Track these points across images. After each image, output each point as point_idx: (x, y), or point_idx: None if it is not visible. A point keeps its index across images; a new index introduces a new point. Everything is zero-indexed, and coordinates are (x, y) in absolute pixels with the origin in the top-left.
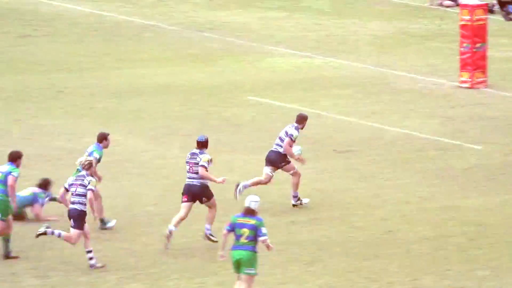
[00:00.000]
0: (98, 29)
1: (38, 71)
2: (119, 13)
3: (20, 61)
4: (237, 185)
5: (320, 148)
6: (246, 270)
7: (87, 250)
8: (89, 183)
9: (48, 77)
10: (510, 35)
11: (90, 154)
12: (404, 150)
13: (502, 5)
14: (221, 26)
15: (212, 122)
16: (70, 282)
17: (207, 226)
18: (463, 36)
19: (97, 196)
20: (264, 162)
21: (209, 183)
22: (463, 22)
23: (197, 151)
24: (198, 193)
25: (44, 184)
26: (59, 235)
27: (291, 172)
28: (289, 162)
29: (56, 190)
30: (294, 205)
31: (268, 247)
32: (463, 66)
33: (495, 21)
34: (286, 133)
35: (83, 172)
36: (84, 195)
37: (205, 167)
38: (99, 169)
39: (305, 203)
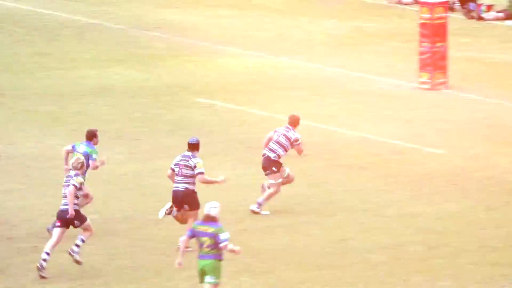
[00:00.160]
0: (41, 28)
1: None
2: (63, 11)
3: None
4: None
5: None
6: (208, 279)
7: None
8: (72, 179)
9: None
10: (472, 34)
11: (85, 154)
12: (360, 154)
13: (463, 2)
14: (168, 25)
15: (160, 125)
16: None
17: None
18: (422, 35)
19: (87, 196)
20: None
21: (198, 189)
22: (422, 21)
23: (189, 153)
24: (181, 199)
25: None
26: (82, 241)
27: (273, 182)
28: (276, 172)
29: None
30: (253, 212)
31: (232, 251)
32: (423, 66)
33: (456, 19)
34: (288, 138)
35: (73, 173)
36: (75, 196)
37: (203, 173)
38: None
39: (264, 214)
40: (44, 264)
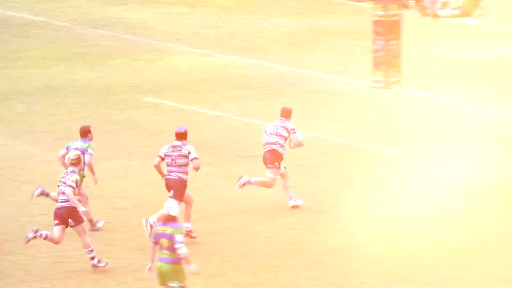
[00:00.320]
0: None
1: None
2: (6, 8)
3: None
4: (290, 198)
5: (222, 152)
6: (169, 283)
7: (87, 249)
8: (69, 179)
9: None
10: (426, 31)
11: (81, 149)
12: (313, 154)
13: None
14: (116, 23)
15: (107, 125)
16: None
17: (185, 224)
18: (376, 32)
19: (84, 197)
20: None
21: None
22: (376, 18)
23: (179, 143)
24: (173, 187)
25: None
26: (46, 237)
27: (273, 176)
28: (278, 167)
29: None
30: (293, 207)
31: (185, 260)
32: (376, 64)
33: (411, 16)
34: (286, 128)
35: (69, 169)
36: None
37: (198, 158)
38: None
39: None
40: (94, 261)
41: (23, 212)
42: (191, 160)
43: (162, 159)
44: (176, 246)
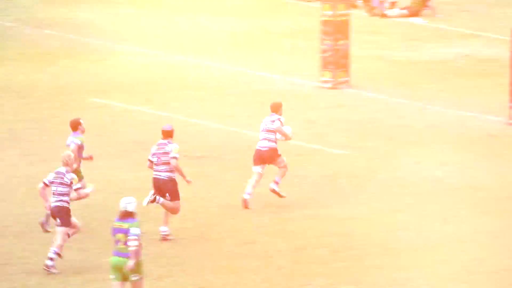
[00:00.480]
0: None
1: None
2: None
3: None
4: (244, 201)
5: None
6: (131, 277)
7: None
8: (71, 182)
9: None
10: (374, 31)
11: (70, 144)
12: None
13: None
14: (63, 23)
15: (53, 126)
16: None
17: (163, 228)
18: (324, 32)
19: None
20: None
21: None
22: (324, 18)
23: (165, 141)
24: (163, 188)
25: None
26: (57, 254)
27: (282, 165)
28: (280, 155)
29: None
30: (273, 190)
31: (132, 253)
32: (325, 65)
33: (359, 16)
34: (273, 122)
35: (62, 169)
36: (66, 194)
37: (177, 158)
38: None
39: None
40: (50, 263)
41: None
42: (171, 158)
43: (151, 161)
44: (129, 238)
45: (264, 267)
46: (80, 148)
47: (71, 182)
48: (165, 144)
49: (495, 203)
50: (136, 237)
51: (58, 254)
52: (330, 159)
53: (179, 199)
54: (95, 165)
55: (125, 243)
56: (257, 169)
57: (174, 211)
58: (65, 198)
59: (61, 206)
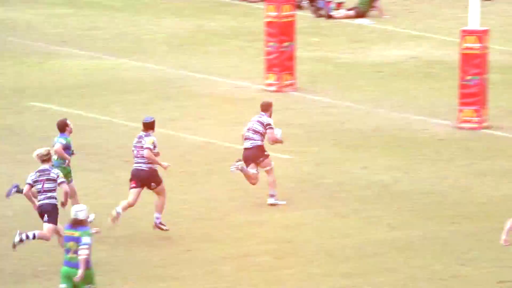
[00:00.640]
0: None
1: None
2: None
3: None
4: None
5: (109, 158)
6: (84, 287)
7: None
8: (58, 176)
9: None
10: (320, 33)
11: (64, 146)
12: (204, 160)
13: (311, 0)
14: None
15: None
16: None
17: (157, 215)
18: (269, 34)
19: (73, 192)
20: None
21: (158, 168)
22: (269, 19)
23: (143, 133)
24: (146, 178)
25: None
26: (34, 237)
27: (268, 168)
28: (267, 156)
29: None
30: (272, 204)
31: (83, 263)
32: (269, 67)
33: (304, 17)
34: (262, 123)
35: (46, 166)
36: (54, 190)
37: (150, 149)
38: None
39: (282, 203)
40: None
41: None
42: (144, 148)
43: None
44: (80, 246)
45: (207, 274)
46: (66, 148)
47: (58, 176)
48: (142, 137)
49: (443, 208)
50: (87, 246)
51: (27, 237)
52: (275, 163)
53: (162, 182)
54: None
55: (75, 252)
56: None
57: (163, 194)
58: (53, 194)
59: (49, 203)
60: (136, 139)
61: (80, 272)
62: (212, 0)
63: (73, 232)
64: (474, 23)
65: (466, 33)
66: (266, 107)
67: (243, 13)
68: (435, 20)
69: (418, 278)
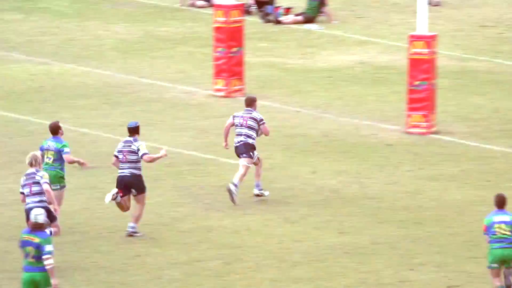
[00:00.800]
0: None
1: None
2: None
3: None
4: (229, 189)
5: None
6: None
7: None
8: (42, 177)
9: None
10: (269, 38)
11: (56, 150)
12: (153, 165)
13: (260, 5)
14: None
15: None
16: None
17: (131, 224)
18: (217, 39)
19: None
20: None
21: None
22: (217, 25)
23: (131, 138)
24: (128, 184)
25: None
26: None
27: (247, 164)
28: (251, 157)
29: None
30: (257, 195)
31: (50, 272)
32: (218, 72)
33: (253, 23)
34: (255, 119)
35: (32, 170)
36: (42, 193)
37: (148, 154)
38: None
39: (266, 194)
40: None
41: None
42: (141, 157)
43: (117, 157)
44: (44, 257)
45: (156, 279)
46: (58, 151)
47: (41, 178)
48: (131, 142)
49: (392, 213)
50: (51, 256)
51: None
52: (224, 169)
53: (144, 192)
54: None
55: (34, 257)
56: (242, 161)
57: (125, 208)
58: (43, 197)
59: (41, 206)
60: (121, 144)
61: (53, 281)
62: (160, 5)
63: (33, 238)
64: (422, 29)
65: (415, 38)
66: (251, 102)
67: (192, 18)
68: (384, 26)
69: (367, 283)
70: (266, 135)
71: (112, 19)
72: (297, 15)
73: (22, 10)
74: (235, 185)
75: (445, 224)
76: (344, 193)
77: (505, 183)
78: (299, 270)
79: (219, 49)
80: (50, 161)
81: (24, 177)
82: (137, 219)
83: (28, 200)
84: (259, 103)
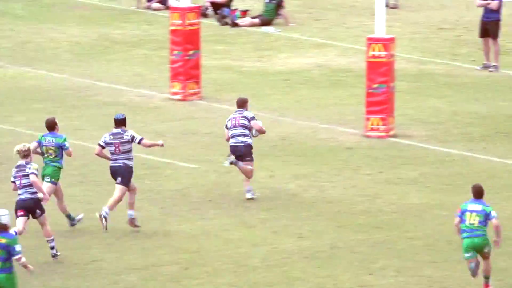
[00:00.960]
0: None
1: None
2: None
3: None
4: (249, 191)
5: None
6: None
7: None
8: (30, 168)
9: None
10: (225, 41)
11: (57, 145)
12: (107, 170)
13: (216, 8)
14: None
15: None
16: None
17: (130, 212)
18: (173, 42)
19: (59, 193)
20: None
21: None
22: (173, 27)
23: (118, 130)
24: (118, 173)
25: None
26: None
27: (251, 164)
28: (252, 159)
29: None
30: (250, 199)
31: (25, 267)
32: (174, 76)
33: (210, 25)
34: (246, 118)
35: (22, 162)
36: (31, 185)
37: (144, 138)
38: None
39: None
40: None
41: None
42: (139, 142)
43: (103, 147)
44: (16, 257)
45: (113, 285)
46: (60, 147)
47: (37, 171)
48: (121, 133)
49: (351, 217)
50: (21, 254)
51: (53, 240)
52: (181, 173)
53: (127, 187)
54: None
55: (1, 259)
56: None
57: (134, 191)
58: (32, 189)
59: (32, 197)
60: (111, 136)
61: (29, 268)
62: (116, 8)
63: (0, 239)
64: (380, 31)
65: (372, 41)
66: (242, 103)
67: (147, 21)
68: (341, 28)
69: (326, 287)
70: (261, 132)
71: (67, 22)
72: (253, 17)
73: None
74: (249, 191)
75: (405, 228)
76: (303, 197)
77: (464, 186)
78: (258, 275)
79: (176, 52)
80: (52, 157)
81: (15, 169)
82: (133, 206)
83: (19, 191)
84: (215, 106)
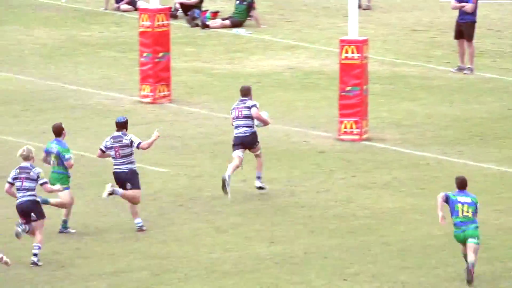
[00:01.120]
0: None
1: None
2: None
3: None
4: (224, 181)
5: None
6: None
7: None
8: (38, 177)
9: None
10: (196, 43)
11: (57, 153)
12: (78, 174)
13: (186, 9)
14: None
15: None
16: None
17: (136, 220)
18: (143, 44)
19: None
20: None
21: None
22: (142, 29)
23: (119, 133)
24: (124, 179)
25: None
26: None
27: (258, 152)
28: (258, 142)
29: None
30: (259, 188)
31: (6, 263)
32: (144, 78)
33: (179, 27)
34: (248, 108)
35: (26, 164)
36: (33, 189)
37: (142, 142)
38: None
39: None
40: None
41: None
42: (137, 147)
43: (103, 151)
44: None
45: None
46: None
47: (38, 177)
48: (121, 136)
49: (325, 222)
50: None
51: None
52: (151, 177)
53: (139, 189)
54: None
55: None
56: (238, 153)
57: (135, 199)
58: (33, 192)
59: (31, 200)
60: (111, 140)
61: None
62: (83, 9)
63: None
64: (353, 33)
65: (345, 43)
66: (246, 92)
67: (116, 23)
68: (313, 30)
69: None
70: (265, 123)
71: (33, 23)
72: (224, 19)
73: None
74: (229, 177)
75: (379, 233)
76: (275, 201)
77: (439, 190)
78: (229, 280)
79: (145, 54)
80: (55, 165)
81: (18, 170)
82: (137, 214)
83: (19, 194)
84: (185, 109)
